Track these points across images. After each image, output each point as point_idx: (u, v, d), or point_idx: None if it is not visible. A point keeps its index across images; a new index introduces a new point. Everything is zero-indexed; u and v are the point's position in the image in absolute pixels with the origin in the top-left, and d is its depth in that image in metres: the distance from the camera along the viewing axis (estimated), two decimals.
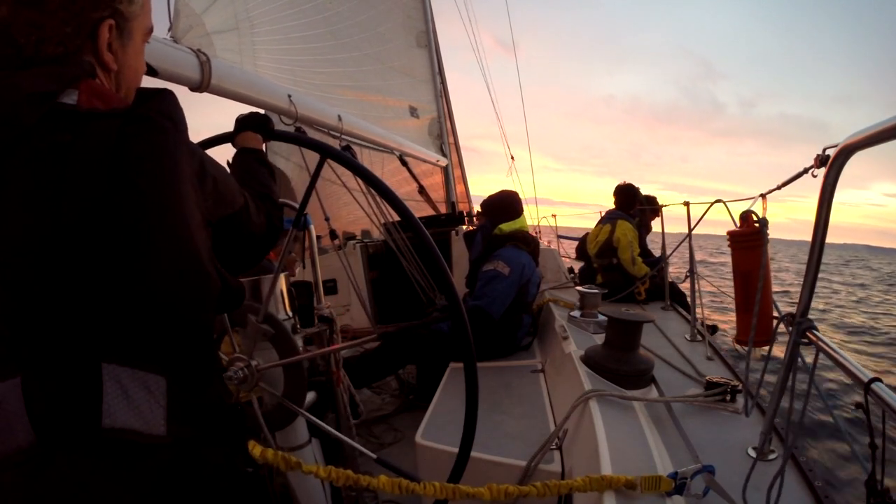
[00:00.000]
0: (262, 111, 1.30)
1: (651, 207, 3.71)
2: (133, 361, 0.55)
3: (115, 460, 0.54)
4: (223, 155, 1.07)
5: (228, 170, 0.94)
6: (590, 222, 3.69)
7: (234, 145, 1.07)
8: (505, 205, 2.59)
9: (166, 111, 0.61)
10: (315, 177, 1.07)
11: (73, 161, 0.53)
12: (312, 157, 1.16)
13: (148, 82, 0.79)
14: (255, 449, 0.98)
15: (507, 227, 2.50)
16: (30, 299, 0.52)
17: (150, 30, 0.72)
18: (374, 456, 1.09)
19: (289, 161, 4.44)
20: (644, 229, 3.70)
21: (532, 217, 5.50)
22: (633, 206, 3.52)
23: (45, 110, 0.54)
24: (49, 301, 0.52)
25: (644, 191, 3.62)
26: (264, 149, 1.09)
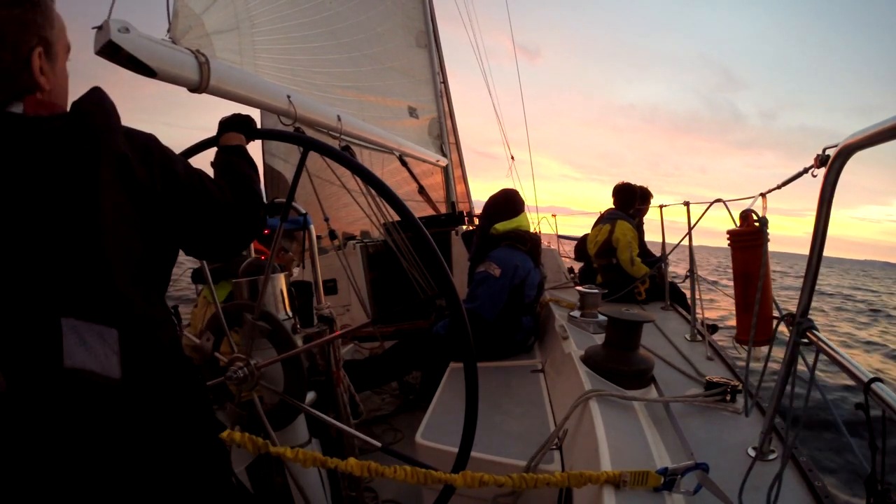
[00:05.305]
0: (246, 113, 1.30)
1: (646, 205, 3.69)
2: (88, 316, 0.66)
3: (76, 398, 0.65)
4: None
5: (212, 172, 1.00)
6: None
7: (218, 147, 1.09)
8: (500, 204, 2.50)
9: (94, 99, 0.71)
10: (299, 170, 1.08)
11: (25, 157, 0.63)
12: (315, 157, 1.15)
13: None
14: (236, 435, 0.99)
15: (502, 226, 2.42)
16: None
17: (68, 48, 0.80)
18: (378, 445, 1.09)
19: (287, 162, 4.45)
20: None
21: (533, 221, 5.50)
22: (632, 205, 3.51)
23: None
24: (14, 273, 0.63)
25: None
26: (247, 147, 1.11)
